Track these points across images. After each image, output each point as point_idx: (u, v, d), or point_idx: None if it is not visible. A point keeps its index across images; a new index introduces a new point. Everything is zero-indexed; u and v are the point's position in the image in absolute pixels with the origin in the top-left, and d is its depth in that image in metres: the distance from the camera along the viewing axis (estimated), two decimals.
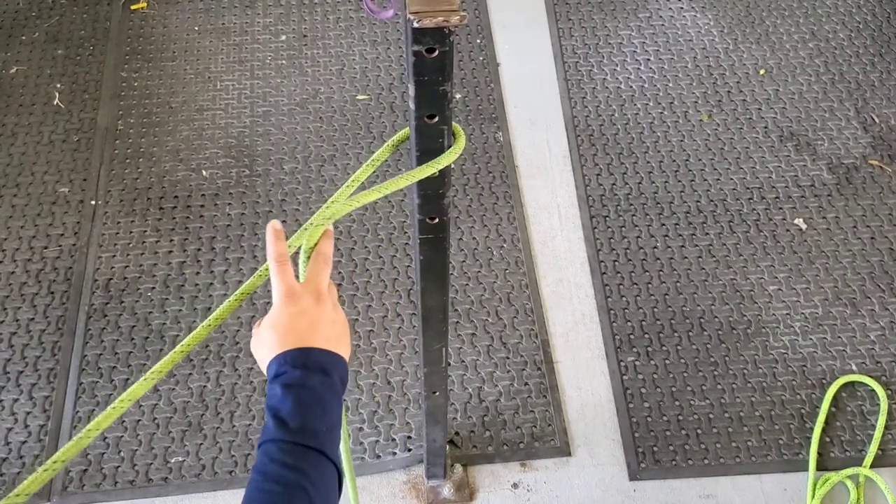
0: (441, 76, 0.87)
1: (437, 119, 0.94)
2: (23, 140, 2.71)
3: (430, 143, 0.98)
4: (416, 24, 0.77)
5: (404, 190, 1.11)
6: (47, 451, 2.13)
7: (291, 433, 0.87)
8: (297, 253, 1.01)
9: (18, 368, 2.27)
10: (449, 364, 2.20)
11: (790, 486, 2.12)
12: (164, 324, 2.34)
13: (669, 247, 2.49)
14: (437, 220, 1.12)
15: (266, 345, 0.95)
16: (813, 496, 2.09)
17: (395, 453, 2.14)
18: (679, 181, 2.63)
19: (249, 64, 2.92)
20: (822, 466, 2.14)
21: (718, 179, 2.64)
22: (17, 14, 3.06)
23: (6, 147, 2.69)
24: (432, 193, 1.08)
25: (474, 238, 2.50)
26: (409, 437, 2.17)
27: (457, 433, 2.18)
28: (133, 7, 3.08)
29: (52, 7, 3.08)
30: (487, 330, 2.34)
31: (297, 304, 0.96)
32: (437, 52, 0.83)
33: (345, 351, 0.99)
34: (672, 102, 2.82)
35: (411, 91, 0.90)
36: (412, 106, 0.93)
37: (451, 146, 0.99)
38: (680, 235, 2.52)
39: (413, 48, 0.82)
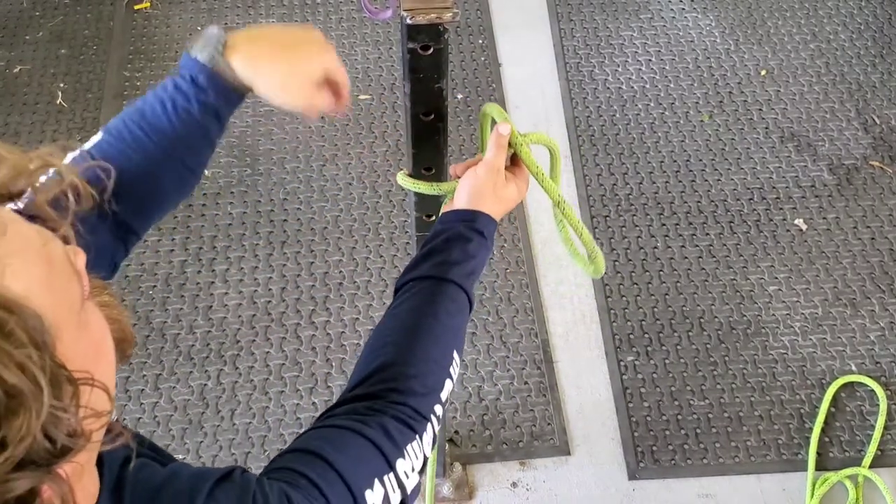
0: (436, 73, 0.88)
1: (432, 116, 0.95)
2: (26, 139, 2.72)
3: (425, 142, 0.99)
4: (409, 21, 0.78)
5: (403, 189, 1.13)
6: None
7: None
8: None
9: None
10: None
11: (789, 486, 2.12)
12: (166, 322, 2.35)
13: (670, 247, 2.50)
14: (433, 219, 1.12)
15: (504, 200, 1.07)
16: (812, 496, 2.09)
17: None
18: (680, 181, 2.64)
19: None
20: (821, 466, 2.14)
21: (719, 180, 2.64)
22: (21, 13, 3.07)
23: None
24: (427, 199, 1.08)
25: None
26: None
27: (456, 432, 2.19)
28: (136, 7, 3.09)
29: (56, 7, 3.09)
30: (487, 329, 2.34)
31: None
32: (431, 50, 0.84)
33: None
34: (673, 103, 2.82)
35: (407, 88, 0.91)
36: (407, 104, 0.94)
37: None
38: (680, 235, 2.52)
39: (408, 45, 0.84)
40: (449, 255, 0.98)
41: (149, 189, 0.93)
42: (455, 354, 0.95)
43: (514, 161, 1.11)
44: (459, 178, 1.08)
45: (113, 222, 0.89)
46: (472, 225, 1.01)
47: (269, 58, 0.92)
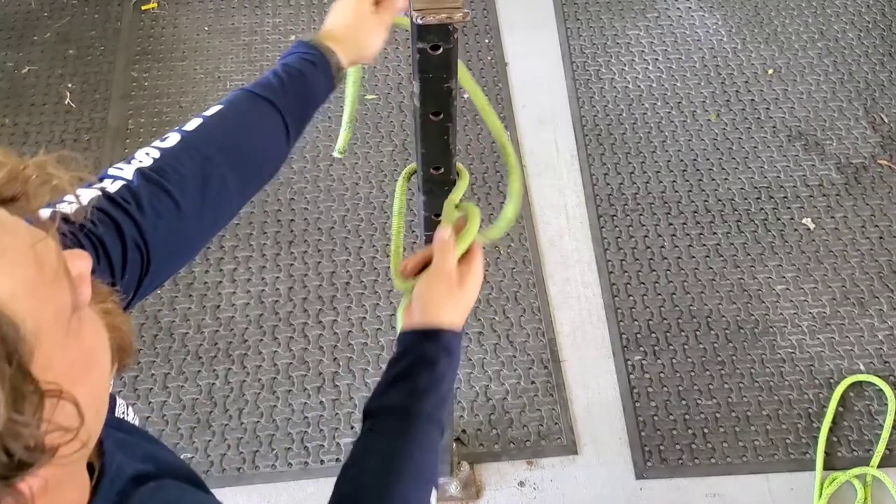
0: (446, 73, 0.89)
1: (441, 116, 0.95)
2: (34, 139, 2.74)
3: (434, 142, 0.99)
4: (419, 21, 0.79)
5: (411, 188, 1.13)
6: None
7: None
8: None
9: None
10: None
11: (797, 486, 2.12)
12: (173, 321, 2.35)
13: (677, 246, 2.50)
14: (441, 219, 1.12)
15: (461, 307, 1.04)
16: (820, 496, 2.08)
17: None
18: (687, 181, 2.63)
19: (259, 64, 2.94)
20: (829, 466, 2.14)
21: (726, 179, 2.64)
22: (29, 14, 3.08)
23: (18, 146, 2.72)
24: (437, 190, 1.09)
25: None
26: None
27: (463, 431, 2.19)
28: (143, 7, 3.10)
29: (64, 7, 3.10)
30: (494, 328, 2.34)
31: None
32: (441, 50, 0.84)
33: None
34: (680, 102, 2.82)
35: (416, 88, 0.91)
36: (416, 103, 0.94)
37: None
38: (687, 235, 2.52)
39: (417, 45, 0.84)
40: (417, 383, 0.94)
41: (258, 150, 1.00)
42: (432, 496, 0.92)
43: (462, 256, 1.05)
44: (409, 276, 1.05)
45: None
46: (435, 345, 0.97)
47: (339, 29, 1.11)
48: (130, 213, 0.83)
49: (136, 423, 0.83)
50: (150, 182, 0.87)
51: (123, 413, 0.81)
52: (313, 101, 1.05)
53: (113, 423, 0.71)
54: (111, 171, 0.87)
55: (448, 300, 1.00)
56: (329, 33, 1.09)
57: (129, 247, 0.81)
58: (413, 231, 2.49)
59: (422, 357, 0.96)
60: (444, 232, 1.03)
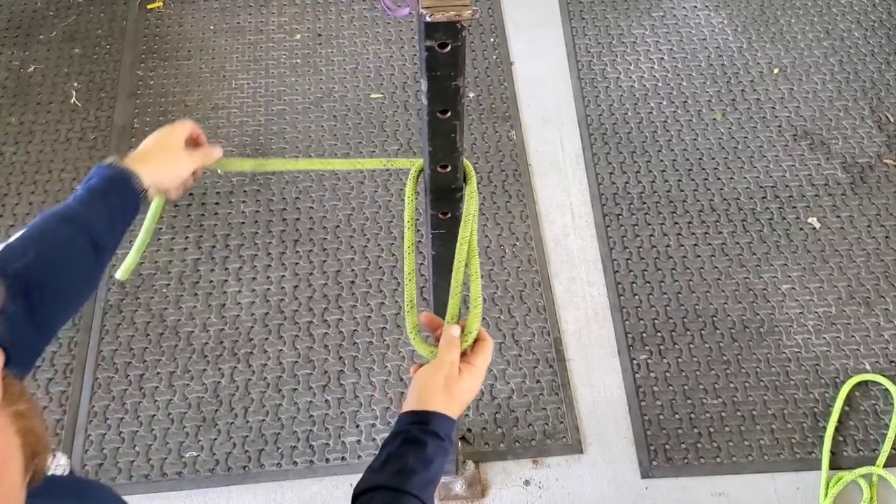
0: (453, 71, 0.88)
1: (449, 114, 0.95)
2: (40, 138, 2.74)
3: (442, 140, 0.99)
4: (428, 19, 0.78)
5: (416, 188, 1.13)
6: (63, 443, 2.15)
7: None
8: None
9: (35, 364, 2.29)
10: None
11: (803, 485, 2.12)
12: (179, 320, 2.36)
13: (682, 245, 2.49)
14: (449, 216, 1.12)
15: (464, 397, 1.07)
16: (826, 495, 2.08)
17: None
18: (692, 180, 2.63)
19: (264, 62, 2.94)
20: (835, 465, 2.13)
21: (732, 178, 2.63)
22: (35, 13, 3.09)
23: (24, 145, 2.72)
24: (445, 189, 1.09)
25: (487, 236, 2.51)
26: None
27: (469, 430, 2.19)
28: (149, 6, 3.10)
29: (70, 6, 3.11)
30: (500, 327, 2.34)
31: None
32: (449, 47, 0.84)
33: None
34: (685, 101, 2.81)
35: (424, 86, 0.91)
36: (425, 101, 0.93)
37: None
38: (693, 234, 2.51)
39: (425, 43, 0.83)
40: (406, 463, 0.97)
41: (62, 274, 1.02)
42: None
43: (465, 353, 1.09)
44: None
45: (33, 312, 0.95)
46: (426, 428, 1.00)
47: (142, 151, 1.18)
48: None
49: (68, 471, 0.85)
50: None
51: (60, 467, 0.83)
52: (119, 215, 1.10)
53: None
54: None
55: (445, 392, 1.03)
56: (134, 156, 1.16)
57: None
58: (418, 230, 2.49)
59: (413, 438, 0.99)
60: (453, 329, 1.07)
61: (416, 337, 1.09)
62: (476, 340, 1.09)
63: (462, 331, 1.09)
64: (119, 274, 1.22)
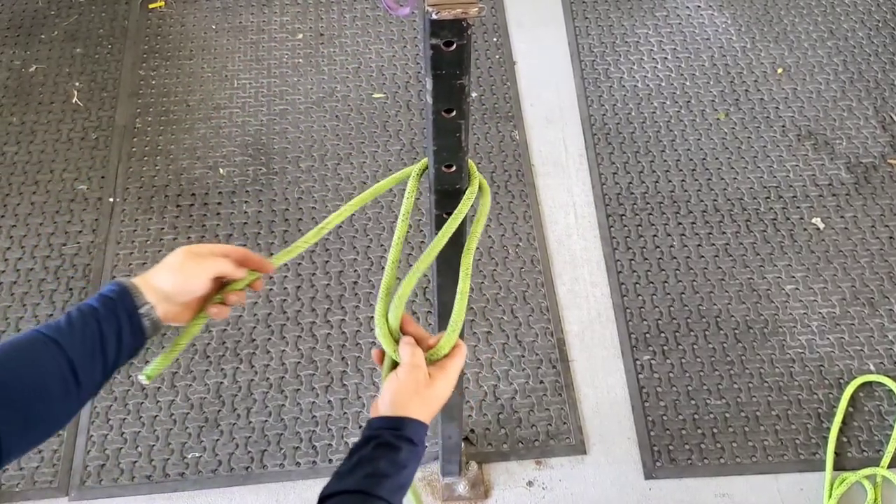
0: (459, 70, 0.88)
1: (454, 113, 0.95)
2: (42, 138, 2.74)
3: (447, 139, 0.99)
4: (434, 16, 0.78)
5: (419, 188, 1.12)
6: (65, 444, 2.15)
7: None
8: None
9: None
10: (465, 362, 2.20)
11: (807, 486, 2.11)
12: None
13: (686, 245, 2.49)
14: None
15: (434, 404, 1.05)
16: (830, 496, 2.07)
17: (425, 452, 2.14)
18: (696, 180, 2.62)
19: (266, 62, 2.94)
20: (839, 466, 2.13)
21: (735, 178, 2.63)
22: (37, 13, 3.08)
23: (26, 145, 2.72)
24: (449, 189, 1.08)
25: (490, 236, 2.50)
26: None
27: (472, 431, 2.18)
28: (151, 6, 3.10)
29: (71, 6, 3.10)
30: (503, 328, 2.34)
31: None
32: (454, 46, 0.84)
33: None
34: (689, 101, 2.81)
35: (428, 85, 0.90)
36: (429, 100, 0.93)
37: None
38: (696, 234, 2.51)
39: (431, 41, 0.83)
40: (377, 467, 0.95)
41: (34, 391, 0.90)
42: None
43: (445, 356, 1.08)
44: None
45: None
46: (399, 433, 0.98)
47: (161, 270, 1.04)
48: None
49: None
50: None
51: None
52: (111, 337, 0.96)
53: None
54: None
55: (415, 397, 1.01)
56: (151, 270, 1.05)
57: None
58: (421, 231, 2.49)
59: (384, 443, 0.97)
60: (406, 337, 1.07)
61: (383, 327, 1.07)
62: None
63: (435, 343, 1.08)
64: (143, 378, 1.12)
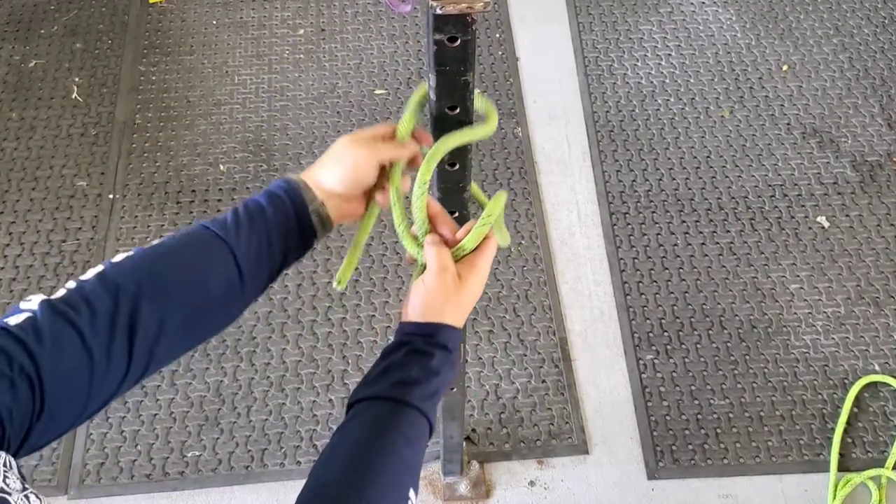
0: (463, 66, 0.86)
1: (458, 110, 0.93)
2: (41, 134, 2.72)
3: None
4: (438, 11, 0.76)
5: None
6: (65, 442, 2.13)
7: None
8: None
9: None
10: (466, 361, 2.19)
11: (811, 487, 2.09)
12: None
13: (690, 244, 2.47)
14: (456, 215, 1.10)
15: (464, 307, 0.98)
16: (834, 497, 2.06)
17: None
18: (700, 178, 2.60)
19: (267, 58, 2.92)
20: (843, 467, 2.11)
21: (740, 176, 2.61)
22: (36, 8, 3.06)
23: (25, 141, 2.70)
24: (452, 187, 1.06)
25: None
26: None
27: (473, 430, 2.17)
28: (151, 1, 3.08)
29: (71, 1, 3.08)
30: (505, 327, 2.32)
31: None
32: (458, 41, 0.82)
33: None
34: (693, 98, 2.79)
35: (432, 81, 0.89)
36: (433, 97, 0.91)
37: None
38: (701, 233, 2.49)
39: (434, 37, 0.81)
40: (409, 374, 0.90)
41: (195, 285, 0.86)
42: (411, 493, 0.85)
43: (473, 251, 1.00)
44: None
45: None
46: (431, 340, 0.93)
47: (328, 164, 0.98)
48: (27, 345, 0.73)
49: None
50: (55, 313, 0.76)
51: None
52: (278, 237, 0.93)
53: None
54: (21, 305, 0.78)
55: (446, 302, 0.95)
56: (313, 165, 1.00)
57: (16, 381, 0.71)
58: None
59: (416, 350, 0.92)
60: (430, 237, 0.99)
61: (403, 228, 0.99)
62: None
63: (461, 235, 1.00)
64: (336, 285, 1.07)
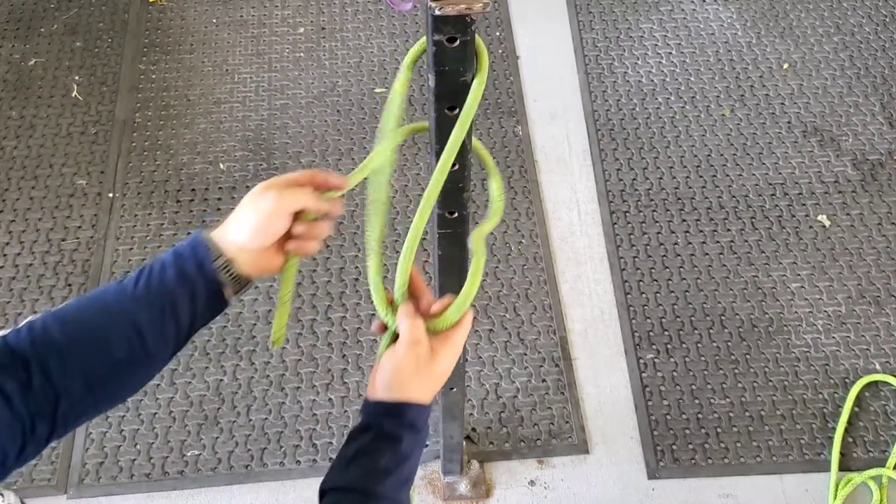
0: (462, 66, 0.85)
1: (457, 111, 0.92)
2: (41, 132, 2.71)
3: (450, 136, 0.96)
4: (437, 12, 0.75)
5: (422, 185, 1.08)
6: (64, 442, 2.13)
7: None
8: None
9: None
10: (466, 360, 2.19)
11: (812, 487, 2.09)
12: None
13: (690, 243, 2.46)
14: (456, 215, 1.09)
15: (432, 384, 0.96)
16: (835, 497, 2.05)
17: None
18: (700, 177, 2.60)
19: (267, 56, 2.91)
20: (844, 467, 2.11)
21: (740, 175, 2.60)
22: (36, 6, 3.06)
23: (25, 139, 2.70)
24: (452, 187, 1.06)
25: (492, 233, 2.48)
26: None
27: (473, 429, 2.17)
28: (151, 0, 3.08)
29: None
30: (505, 326, 2.32)
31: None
32: (458, 42, 0.81)
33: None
34: (694, 97, 2.78)
35: (431, 82, 0.88)
36: (432, 98, 0.91)
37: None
38: (701, 232, 2.48)
39: (434, 37, 0.80)
40: (379, 462, 0.88)
41: (95, 351, 0.85)
42: None
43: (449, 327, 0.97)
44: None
45: (41, 391, 0.81)
46: (400, 421, 0.90)
47: (236, 215, 0.94)
48: None
49: None
50: None
51: None
52: (184, 298, 0.90)
53: None
54: None
55: (415, 377, 0.92)
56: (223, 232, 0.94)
57: None
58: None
59: (384, 434, 0.90)
60: (405, 305, 0.97)
61: (379, 291, 0.96)
62: None
63: (446, 307, 0.97)
64: (272, 346, 1.05)
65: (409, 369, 0.92)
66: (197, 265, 0.90)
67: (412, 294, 0.99)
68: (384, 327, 0.99)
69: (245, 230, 0.92)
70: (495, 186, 1.04)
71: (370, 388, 0.95)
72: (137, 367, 0.88)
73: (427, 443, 2.09)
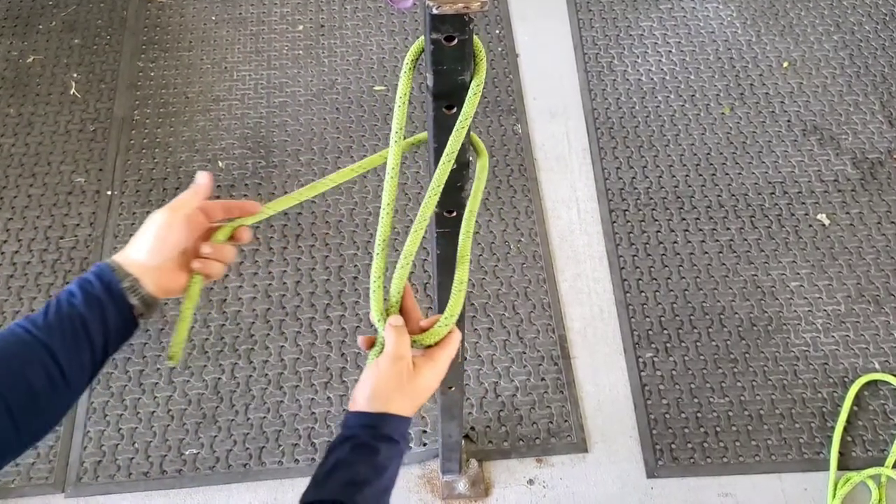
0: (460, 65, 0.85)
1: (455, 109, 0.92)
2: (39, 129, 2.71)
3: (448, 136, 0.96)
4: (434, 11, 0.75)
5: (421, 183, 1.09)
6: (62, 440, 2.13)
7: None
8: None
9: None
10: (465, 359, 2.18)
11: (811, 486, 2.09)
12: (178, 315, 2.32)
13: (690, 242, 2.46)
14: (454, 214, 1.09)
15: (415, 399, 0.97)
16: (834, 496, 2.05)
17: (410, 447, 2.13)
18: (700, 175, 2.59)
19: (266, 54, 2.91)
20: (843, 466, 2.10)
21: (740, 174, 2.60)
22: (34, 3, 3.05)
23: (23, 136, 2.69)
24: (451, 186, 1.05)
25: (491, 232, 2.48)
26: (425, 432, 2.15)
27: (472, 428, 2.16)
28: None
29: None
30: (504, 324, 2.31)
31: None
32: (456, 41, 0.81)
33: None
34: (693, 95, 2.78)
35: (429, 81, 0.88)
36: (430, 96, 0.90)
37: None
38: (700, 230, 2.48)
39: (431, 36, 0.80)
40: (357, 473, 0.88)
41: (15, 381, 0.85)
42: None
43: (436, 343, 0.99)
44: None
45: None
46: (377, 432, 0.91)
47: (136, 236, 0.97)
48: None
49: None
50: None
51: None
52: (95, 323, 0.91)
53: None
54: None
55: (396, 391, 0.93)
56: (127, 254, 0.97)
57: None
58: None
59: (361, 444, 0.91)
60: (393, 319, 0.97)
61: (379, 300, 0.96)
62: None
63: (430, 325, 0.98)
64: (169, 364, 1.06)
65: (390, 384, 0.93)
66: (104, 288, 0.92)
67: (402, 310, 1.00)
68: (371, 343, 1.00)
69: (144, 246, 0.95)
70: (479, 165, 1.04)
71: (351, 402, 0.96)
72: (57, 397, 0.88)
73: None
